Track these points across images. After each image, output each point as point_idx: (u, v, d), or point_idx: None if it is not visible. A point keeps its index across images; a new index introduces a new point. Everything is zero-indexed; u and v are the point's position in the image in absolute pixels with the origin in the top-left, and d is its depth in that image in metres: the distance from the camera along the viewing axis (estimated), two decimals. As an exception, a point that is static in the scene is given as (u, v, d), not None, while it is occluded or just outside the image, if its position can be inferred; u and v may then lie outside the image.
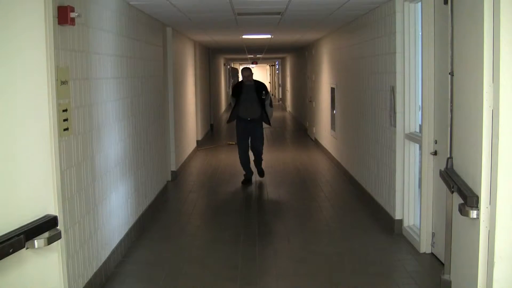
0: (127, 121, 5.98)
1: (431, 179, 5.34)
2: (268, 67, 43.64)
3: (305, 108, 16.64)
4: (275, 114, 19.06)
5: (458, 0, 3.67)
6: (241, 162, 9.23)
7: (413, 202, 6.02)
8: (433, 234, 5.38)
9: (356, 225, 6.63)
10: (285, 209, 7.50)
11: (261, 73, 42.75)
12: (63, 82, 3.99)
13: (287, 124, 19.82)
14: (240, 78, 9.67)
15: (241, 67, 9.89)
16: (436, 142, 5.18)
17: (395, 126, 6.12)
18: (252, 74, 9.03)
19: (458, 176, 3.61)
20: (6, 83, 2.50)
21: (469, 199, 3.16)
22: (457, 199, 3.50)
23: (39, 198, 2.71)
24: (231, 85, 34.16)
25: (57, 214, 2.75)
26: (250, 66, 13.43)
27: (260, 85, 9.04)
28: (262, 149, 9.24)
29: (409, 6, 5.85)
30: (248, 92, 8.87)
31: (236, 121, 9.10)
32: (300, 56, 17.70)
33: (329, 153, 11.45)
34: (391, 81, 6.24)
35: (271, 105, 9.09)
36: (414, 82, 5.87)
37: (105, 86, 5.15)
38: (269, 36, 11.78)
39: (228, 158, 11.81)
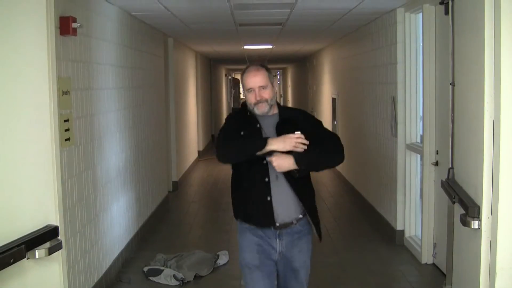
0: (129, 131, 5.99)
1: (432, 189, 5.33)
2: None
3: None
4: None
5: (459, 11, 3.68)
6: None
7: (414, 213, 6.00)
8: (435, 245, 5.36)
9: (357, 236, 6.61)
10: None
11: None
12: (65, 92, 4.00)
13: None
14: (242, 98, 3.62)
15: (245, 74, 3.42)
16: (437, 152, 5.17)
17: (396, 137, 6.12)
18: (271, 87, 3.39)
19: (459, 186, 3.60)
20: (8, 93, 2.51)
21: (471, 210, 3.16)
22: (458, 210, 3.49)
23: (40, 208, 2.70)
24: (231, 96, 26.59)
25: (58, 224, 2.75)
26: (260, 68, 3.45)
27: (294, 118, 3.48)
28: None
29: (410, 16, 5.87)
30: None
31: (239, 228, 3.53)
32: (301, 67, 17.73)
33: (330, 163, 11.42)
34: (392, 91, 6.25)
35: (335, 149, 3.50)
36: (415, 92, 5.87)
37: (107, 96, 5.16)
38: (270, 46, 11.81)
39: (229, 169, 11.79)
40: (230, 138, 3.38)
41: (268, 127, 3.39)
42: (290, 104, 23.34)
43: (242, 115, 3.49)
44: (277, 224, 3.33)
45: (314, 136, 3.31)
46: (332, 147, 3.47)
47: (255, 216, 3.37)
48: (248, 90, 3.38)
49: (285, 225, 3.36)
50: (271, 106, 3.38)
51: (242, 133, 3.40)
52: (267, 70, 3.40)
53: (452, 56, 3.83)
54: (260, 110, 3.34)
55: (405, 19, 5.92)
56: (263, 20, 7.33)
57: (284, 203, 3.35)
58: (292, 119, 3.45)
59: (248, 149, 3.27)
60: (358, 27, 7.89)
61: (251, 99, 3.36)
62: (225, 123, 3.58)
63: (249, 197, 3.39)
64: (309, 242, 3.52)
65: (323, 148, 3.38)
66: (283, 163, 3.22)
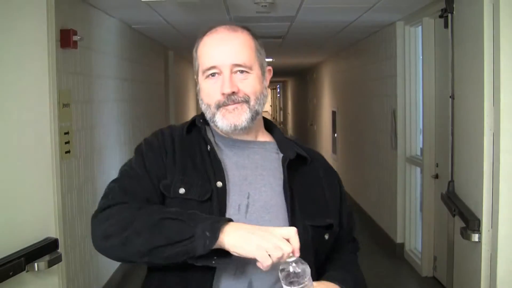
0: (129, 144, 5.99)
1: (432, 202, 5.32)
2: (269, 90, 43.87)
3: (306, 132, 16.65)
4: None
5: (458, 24, 3.70)
6: None
7: (414, 226, 5.99)
8: (435, 258, 5.35)
9: (357, 249, 6.59)
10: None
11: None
12: (65, 105, 4.00)
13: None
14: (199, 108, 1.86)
15: (205, 37, 1.65)
16: (437, 165, 5.17)
17: (396, 149, 6.12)
18: (259, 74, 1.62)
19: (459, 199, 3.60)
20: (8, 106, 2.51)
21: (471, 223, 3.15)
22: (458, 223, 3.48)
23: (40, 220, 2.70)
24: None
25: (57, 237, 2.74)
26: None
27: (320, 167, 1.80)
28: None
29: (409, 29, 5.89)
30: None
31: None
32: (301, 80, 17.77)
33: (330, 176, 11.41)
34: (392, 104, 6.25)
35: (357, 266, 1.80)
36: (415, 105, 5.88)
37: (107, 109, 5.17)
38: (270, 59, 11.85)
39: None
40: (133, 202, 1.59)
41: (254, 168, 1.62)
42: (290, 117, 22.77)
43: (192, 138, 1.76)
44: None
45: (331, 226, 1.70)
46: (355, 263, 1.83)
47: None
48: (207, 73, 1.66)
49: None
50: (253, 118, 1.59)
51: (182, 190, 1.57)
52: (254, 36, 1.72)
53: (452, 69, 3.84)
54: (229, 120, 1.59)
55: (404, 32, 5.94)
56: (263, 33, 7.36)
57: None
58: (319, 167, 1.77)
59: (171, 247, 1.48)
60: (358, 40, 7.91)
61: (212, 93, 1.62)
62: (136, 153, 1.77)
63: None
64: None
65: (350, 266, 1.77)
66: None
